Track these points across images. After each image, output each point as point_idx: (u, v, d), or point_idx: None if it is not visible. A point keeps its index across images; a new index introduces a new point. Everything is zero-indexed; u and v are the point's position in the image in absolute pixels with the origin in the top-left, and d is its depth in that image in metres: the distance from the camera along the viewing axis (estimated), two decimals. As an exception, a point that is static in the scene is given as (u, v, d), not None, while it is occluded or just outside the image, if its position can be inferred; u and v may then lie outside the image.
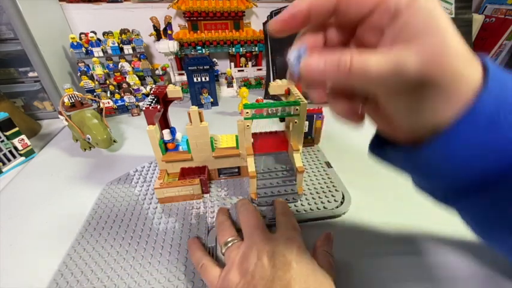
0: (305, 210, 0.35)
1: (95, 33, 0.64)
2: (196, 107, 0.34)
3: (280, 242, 0.24)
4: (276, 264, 0.22)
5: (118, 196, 0.39)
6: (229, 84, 0.77)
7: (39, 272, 0.29)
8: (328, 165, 0.44)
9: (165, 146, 0.38)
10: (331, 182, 0.40)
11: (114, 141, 0.50)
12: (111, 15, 0.73)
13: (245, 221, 0.29)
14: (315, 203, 0.36)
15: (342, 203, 0.37)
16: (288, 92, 0.37)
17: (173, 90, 0.37)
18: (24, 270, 0.29)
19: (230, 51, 0.78)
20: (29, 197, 0.40)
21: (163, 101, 0.38)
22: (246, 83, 0.83)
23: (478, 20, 0.75)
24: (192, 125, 0.35)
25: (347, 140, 0.53)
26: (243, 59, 0.80)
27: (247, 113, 0.32)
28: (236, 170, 0.41)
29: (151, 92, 0.37)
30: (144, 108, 0.34)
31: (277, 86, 0.37)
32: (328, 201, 0.37)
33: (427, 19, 0.12)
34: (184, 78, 0.73)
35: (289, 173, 0.36)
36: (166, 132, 0.37)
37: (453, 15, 0.70)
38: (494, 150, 0.13)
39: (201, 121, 0.35)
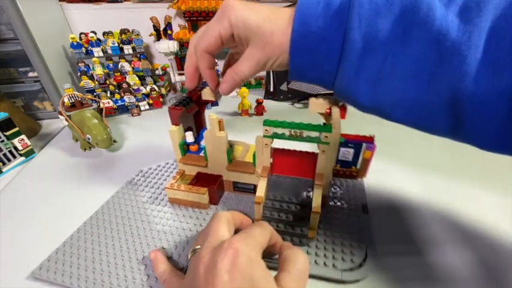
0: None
1: (95, 33, 0.64)
2: (216, 115, 0.32)
3: (221, 249, 0.20)
4: (207, 278, 0.20)
5: (121, 195, 0.38)
6: (229, 84, 0.77)
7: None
8: (365, 209, 0.35)
9: (187, 148, 0.38)
10: (358, 232, 0.32)
11: (114, 141, 0.50)
12: (111, 15, 0.73)
13: (207, 227, 0.26)
14: (325, 256, 0.29)
15: (360, 265, 0.28)
16: (329, 113, 0.30)
17: (207, 93, 0.36)
18: (24, 270, 0.29)
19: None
20: (29, 197, 0.40)
21: (198, 102, 0.38)
22: (246, 83, 0.83)
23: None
24: (210, 132, 0.33)
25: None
26: (243, 59, 0.80)
27: (266, 130, 0.29)
28: (252, 187, 0.37)
29: (186, 93, 0.37)
30: (169, 108, 0.34)
31: (318, 104, 0.31)
32: (343, 258, 0.29)
33: (245, 31, 0.24)
34: (184, 78, 0.73)
35: (307, 209, 0.30)
36: (189, 134, 0.37)
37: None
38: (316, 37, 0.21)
39: (220, 130, 0.33)
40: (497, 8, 0.18)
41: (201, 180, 0.38)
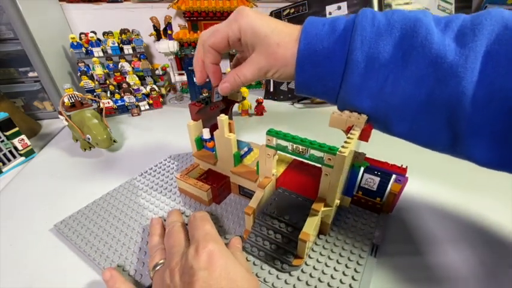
0: None
1: (95, 33, 0.64)
2: (226, 116, 0.32)
3: (190, 253, 0.22)
4: (185, 280, 0.21)
5: (121, 196, 0.39)
6: (229, 84, 0.77)
7: (39, 272, 0.29)
8: (374, 250, 0.29)
9: (205, 143, 0.39)
10: (352, 275, 0.26)
11: (114, 141, 0.50)
12: (111, 15, 0.73)
13: (166, 241, 0.27)
14: None
15: None
16: (349, 130, 0.27)
17: (233, 93, 0.36)
18: (24, 271, 0.29)
19: (230, 51, 0.78)
20: (29, 197, 0.40)
21: (224, 100, 0.39)
22: (246, 83, 0.83)
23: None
24: (219, 132, 0.33)
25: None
26: (243, 59, 0.80)
27: (268, 140, 0.27)
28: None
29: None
30: (189, 103, 0.35)
31: (339, 120, 0.28)
32: None
33: (253, 38, 0.25)
34: (184, 78, 0.73)
35: (297, 233, 0.26)
36: (205, 131, 0.38)
37: (453, 15, 0.69)
38: (321, 55, 0.23)
39: (230, 131, 0.33)
40: (492, 33, 0.19)
41: (209, 176, 0.38)
